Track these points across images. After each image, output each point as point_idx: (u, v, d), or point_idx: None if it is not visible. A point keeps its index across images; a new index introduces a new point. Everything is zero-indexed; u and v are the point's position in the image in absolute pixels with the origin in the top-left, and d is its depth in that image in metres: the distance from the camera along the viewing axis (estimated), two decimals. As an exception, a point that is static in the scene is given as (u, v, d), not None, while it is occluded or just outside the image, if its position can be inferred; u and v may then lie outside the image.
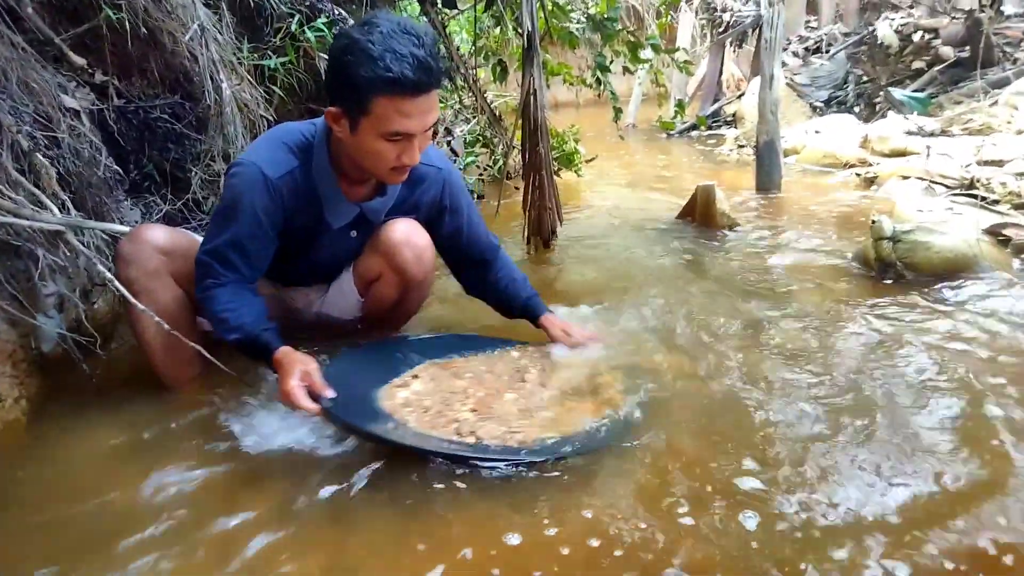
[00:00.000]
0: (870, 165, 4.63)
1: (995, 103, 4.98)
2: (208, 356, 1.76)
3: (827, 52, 7.06)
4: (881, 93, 6.06)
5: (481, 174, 4.63)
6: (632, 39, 3.55)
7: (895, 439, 1.50)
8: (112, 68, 2.11)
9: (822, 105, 6.70)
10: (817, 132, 5.53)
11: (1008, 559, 1.16)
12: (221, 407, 1.76)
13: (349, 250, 1.92)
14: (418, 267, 1.87)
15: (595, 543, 1.23)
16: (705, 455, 1.47)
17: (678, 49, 4.00)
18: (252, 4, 2.43)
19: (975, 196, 3.48)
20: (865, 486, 1.35)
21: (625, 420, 1.61)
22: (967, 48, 5.86)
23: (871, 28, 6.58)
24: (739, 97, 7.37)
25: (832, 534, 1.22)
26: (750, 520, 1.27)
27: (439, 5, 3.05)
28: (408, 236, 1.85)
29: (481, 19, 3.46)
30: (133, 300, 1.68)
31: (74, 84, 1.95)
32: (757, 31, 7.25)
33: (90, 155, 1.79)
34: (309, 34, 2.48)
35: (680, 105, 4.45)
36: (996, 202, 3.37)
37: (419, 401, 1.61)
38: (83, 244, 1.71)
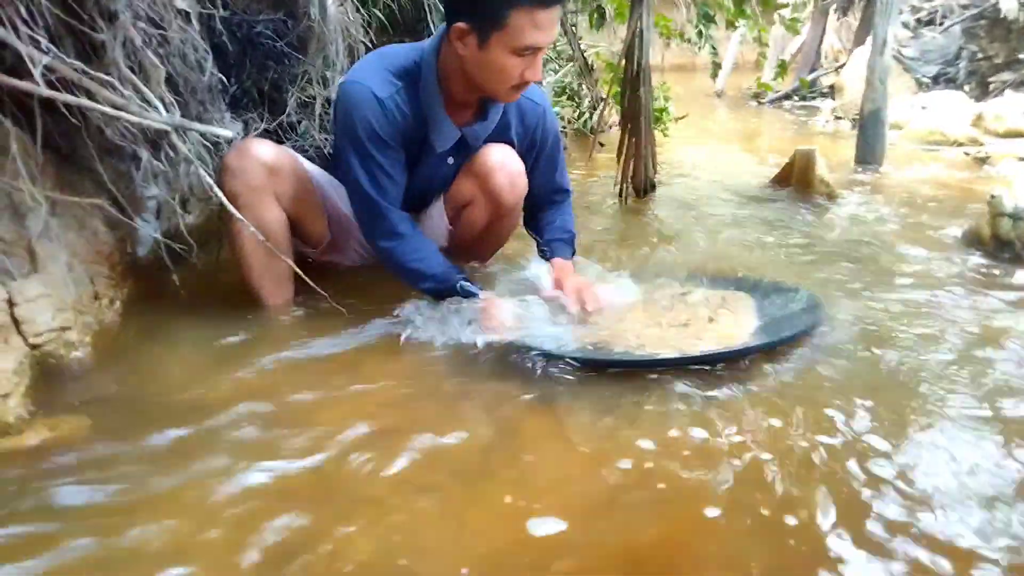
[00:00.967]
0: (982, 145, 4.34)
1: None
2: (304, 277, 1.77)
3: (941, 24, 6.60)
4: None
5: (564, 127, 4.53)
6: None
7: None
8: (220, -22, 2.08)
9: (929, 81, 6.30)
10: (924, 108, 5.21)
11: None
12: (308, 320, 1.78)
13: (444, 177, 1.90)
14: (511, 193, 1.85)
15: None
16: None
17: (786, 5, 3.79)
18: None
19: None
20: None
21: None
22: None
23: (993, 1, 6.11)
24: (838, 69, 7.00)
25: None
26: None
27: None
28: (503, 161, 1.82)
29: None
30: (236, 212, 1.68)
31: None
32: (864, 0, 6.87)
33: (197, 60, 1.78)
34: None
35: (782, 66, 4.23)
36: None
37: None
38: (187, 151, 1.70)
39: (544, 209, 2.02)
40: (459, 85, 1.67)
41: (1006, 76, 5.89)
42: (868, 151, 4.01)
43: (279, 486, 1.15)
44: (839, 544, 1.02)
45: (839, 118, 5.76)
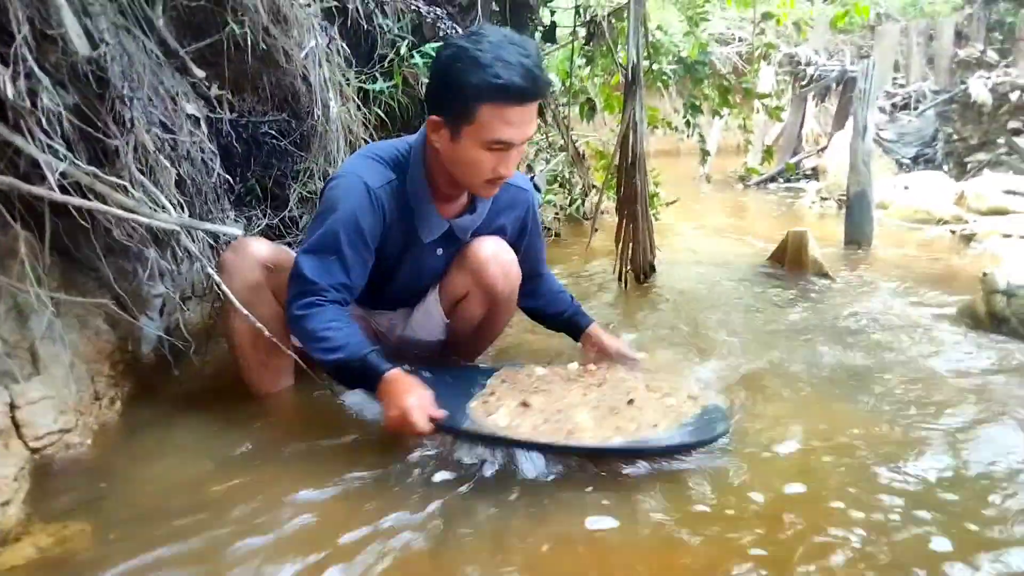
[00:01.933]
0: (966, 222, 4.45)
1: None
2: (305, 366, 1.76)
3: (915, 109, 6.87)
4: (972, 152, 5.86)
5: (557, 214, 4.62)
6: (725, 82, 3.52)
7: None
8: (227, 83, 2.16)
9: (909, 162, 6.52)
10: (906, 188, 5.35)
11: None
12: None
13: (434, 269, 1.89)
14: (505, 283, 1.85)
15: None
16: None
17: (769, 95, 3.95)
18: (363, 28, 2.49)
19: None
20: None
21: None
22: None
23: (963, 86, 6.39)
24: (820, 152, 7.24)
25: None
26: None
27: (538, 40, 3.07)
28: (496, 253, 1.84)
29: (575, 56, 3.48)
30: (240, 306, 1.69)
31: (193, 95, 2.00)
32: (841, 86, 7.16)
33: (204, 161, 1.82)
34: (417, 59, 2.52)
35: (769, 151, 4.37)
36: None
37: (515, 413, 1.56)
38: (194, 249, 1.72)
39: (540, 281, 2.06)
40: (443, 177, 1.69)
41: (981, 156, 6.10)
42: (857, 231, 4.09)
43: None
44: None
45: (825, 199, 5.90)
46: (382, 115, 2.62)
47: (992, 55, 6.75)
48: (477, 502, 1.38)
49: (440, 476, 1.47)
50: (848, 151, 4.20)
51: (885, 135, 6.76)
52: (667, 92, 3.81)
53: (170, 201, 1.70)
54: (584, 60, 3.71)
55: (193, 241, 1.71)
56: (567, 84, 3.80)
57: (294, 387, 1.88)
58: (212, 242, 1.87)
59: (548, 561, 1.22)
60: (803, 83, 7.15)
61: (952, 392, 1.92)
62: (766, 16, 4.37)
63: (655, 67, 3.38)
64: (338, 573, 1.18)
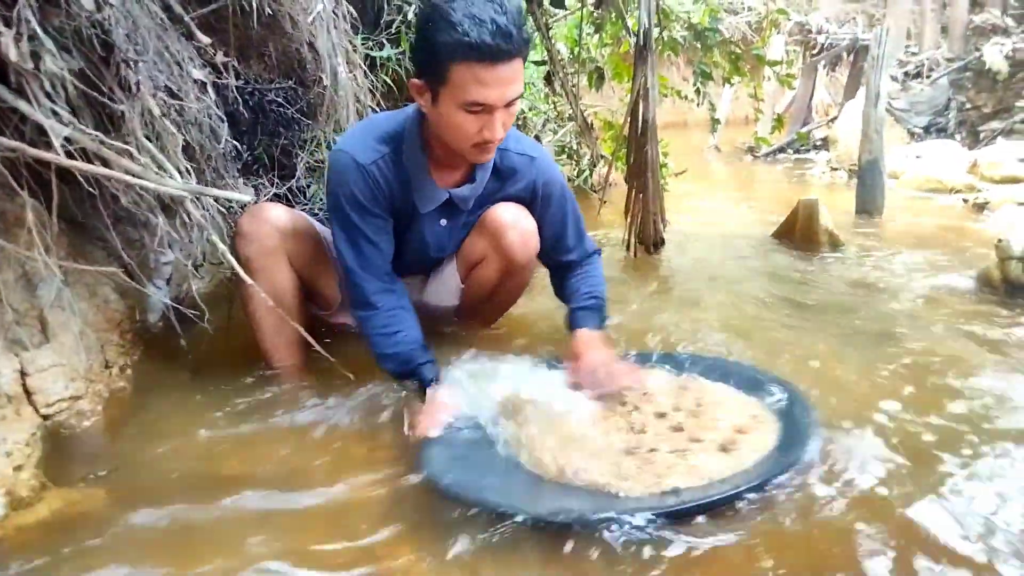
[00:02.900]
0: (979, 191, 4.40)
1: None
2: (312, 342, 1.76)
3: (928, 77, 6.77)
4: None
5: (564, 185, 4.57)
6: (737, 49, 3.46)
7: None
8: (232, 50, 2.13)
9: (920, 131, 6.43)
10: (918, 157, 5.29)
11: None
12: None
13: (439, 239, 1.85)
14: (523, 250, 1.82)
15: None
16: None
17: (780, 62, 3.89)
18: (369, -7, 2.45)
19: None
20: None
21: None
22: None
23: (978, 53, 6.28)
24: (830, 122, 7.15)
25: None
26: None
27: (546, 5, 3.02)
28: (516, 219, 1.80)
29: (584, 23, 3.42)
30: (247, 278, 1.68)
31: (199, 61, 1.97)
32: (853, 55, 7.06)
33: (212, 128, 1.80)
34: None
35: (779, 120, 4.31)
36: None
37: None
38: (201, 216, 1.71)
39: (570, 274, 1.91)
40: (440, 146, 1.65)
41: (995, 125, 6.01)
42: (868, 200, 4.04)
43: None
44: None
45: (835, 169, 5.85)
46: (389, 82, 2.59)
47: (1009, 21, 6.60)
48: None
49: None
50: (859, 120, 4.14)
51: (897, 104, 6.67)
52: (676, 62, 3.74)
53: (177, 168, 1.69)
54: (593, 28, 3.64)
55: (201, 209, 1.69)
56: (575, 52, 3.74)
57: (308, 355, 1.87)
58: (223, 210, 1.85)
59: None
60: (814, 52, 7.03)
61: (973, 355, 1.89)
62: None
63: (665, 34, 3.32)
64: (354, 537, 1.18)
